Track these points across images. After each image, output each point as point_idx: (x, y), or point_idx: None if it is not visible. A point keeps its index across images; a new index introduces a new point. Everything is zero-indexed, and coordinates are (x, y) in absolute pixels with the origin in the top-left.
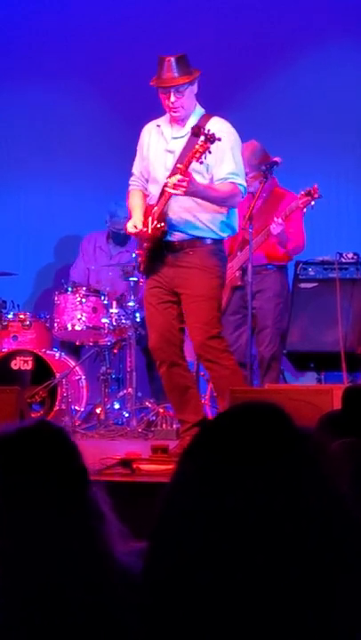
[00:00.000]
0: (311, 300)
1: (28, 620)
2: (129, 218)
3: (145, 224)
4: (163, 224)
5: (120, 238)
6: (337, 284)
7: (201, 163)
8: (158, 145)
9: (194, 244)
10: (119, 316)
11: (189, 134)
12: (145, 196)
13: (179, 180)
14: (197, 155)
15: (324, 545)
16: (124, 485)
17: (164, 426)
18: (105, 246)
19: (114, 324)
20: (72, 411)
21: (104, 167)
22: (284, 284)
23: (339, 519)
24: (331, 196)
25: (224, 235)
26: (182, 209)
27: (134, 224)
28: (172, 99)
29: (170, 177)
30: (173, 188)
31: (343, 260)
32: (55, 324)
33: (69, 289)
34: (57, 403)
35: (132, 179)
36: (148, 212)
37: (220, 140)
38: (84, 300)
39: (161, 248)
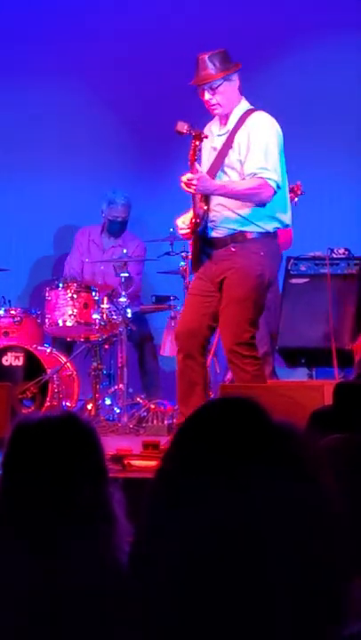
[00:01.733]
0: (302, 295)
1: (25, 622)
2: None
3: (190, 224)
4: (198, 220)
5: (116, 227)
6: (328, 280)
7: (195, 160)
8: (207, 143)
9: (236, 238)
10: (110, 311)
11: (229, 132)
12: None
13: (188, 180)
14: (191, 154)
15: (303, 538)
16: (115, 483)
17: (155, 422)
18: (98, 240)
19: (105, 319)
20: (63, 407)
21: (99, 160)
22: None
23: (318, 513)
24: (322, 192)
25: (269, 228)
26: (221, 205)
27: (183, 220)
28: (207, 96)
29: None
30: (185, 187)
31: (334, 256)
32: (46, 320)
33: (60, 285)
34: (48, 399)
35: None
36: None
37: (206, 137)
38: (75, 295)
39: (207, 245)
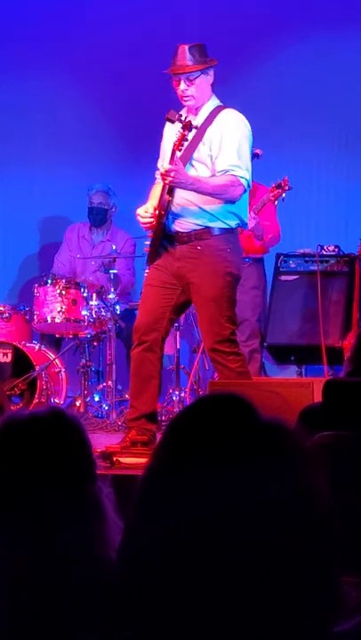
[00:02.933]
0: (292, 292)
1: (17, 621)
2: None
3: (153, 214)
4: (162, 212)
5: (95, 214)
6: (318, 277)
7: (180, 150)
8: (173, 135)
9: (201, 235)
10: (99, 308)
11: (199, 125)
12: None
13: (166, 170)
14: (176, 142)
15: (293, 535)
16: (104, 478)
17: None
18: (88, 236)
19: (94, 316)
20: (51, 403)
21: (88, 157)
22: (261, 277)
23: (308, 510)
24: (312, 189)
25: (232, 224)
26: (185, 199)
27: (146, 209)
28: (182, 86)
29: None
30: (161, 177)
31: (324, 253)
32: (35, 317)
33: (49, 281)
34: (36, 395)
35: (156, 172)
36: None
37: (196, 127)
38: (63, 292)
39: (168, 239)
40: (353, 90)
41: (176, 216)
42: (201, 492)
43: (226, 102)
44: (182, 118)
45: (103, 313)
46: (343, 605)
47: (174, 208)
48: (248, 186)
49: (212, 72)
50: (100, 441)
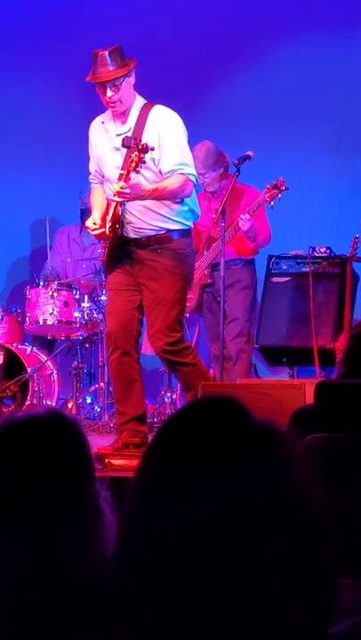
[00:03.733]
0: (284, 294)
1: (17, 621)
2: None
3: (103, 222)
4: (117, 226)
5: (87, 216)
6: (310, 279)
7: (138, 172)
8: (105, 143)
9: (161, 240)
10: (91, 310)
11: (132, 129)
12: (104, 192)
13: (121, 188)
14: (133, 165)
15: (286, 537)
16: (102, 481)
17: None
18: (78, 239)
19: (86, 318)
20: (44, 405)
21: (78, 159)
22: (252, 278)
23: (301, 512)
24: (304, 191)
25: (189, 223)
26: (140, 206)
27: (94, 220)
28: (109, 93)
29: (117, 181)
30: (118, 196)
31: (316, 255)
32: (27, 319)
33: (41, 283)
34: (28, 397)
35: (90, 177)
36: (107, 209)
37: (152, 149)
38: (55, 294)
39: (126, 244)
40: (344, 91)
41: (132, 224)
42: (194, 494)
43: (215, 105)
44: (136, 143)
45: (95, 315)
46: (339, 607)
47: (130, 216)
48: (196, 180)
49: (133, 73)
50: (92, 443)
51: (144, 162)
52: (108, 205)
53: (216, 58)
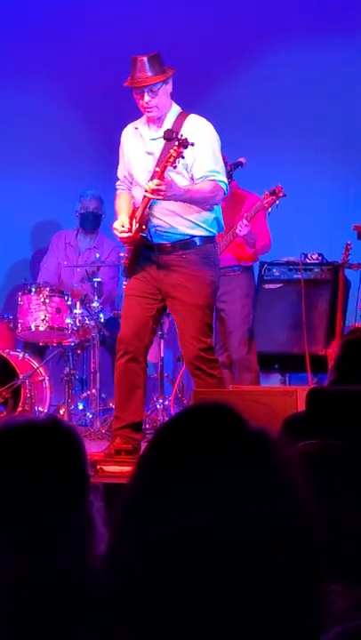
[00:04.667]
0: (276, 301)
1: (17, 621)
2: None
3: (130, 227)
4: (144, 227)
5: (89, 220)
6: (302, 285)
7: (175, 167)
8: (138, 147)
9: (186, 244)
10: (83, 316)
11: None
12: (131, 197)
13: (157, 185)
14: (171, 159)
15: (279, 544)
16: (96, 490)
17: None
18: (74, 242)
19: (77, 324)
20: (35, 412)
21: (73, 163)
22: (250, 285)
23: (294, 519)
24: (296, 197)
25: (214, 231)
26: (167, 210)
27: (122, 223)
28: (146, 98)
29: (150, 180)
30: (152, 193)
31: (308, 261)
32: (18, 325)
33: (33, 289)
34: (20, 403)
35: (117, 183)
36: (133, 214)
37: (192, 144)
38: (47, 300)
39: (149, 249)
40: (337, 96)
41: (159, 227)
42: (187, 501)
43: (207, 108)
44: (178, 136)
45: (87, 321)
46: (330, 614)
47: (156, 220)
48: (226, 189)
49: (170, 80)
50: None
51: (183, 157)
52: (135, 209)
53: (215, 59)
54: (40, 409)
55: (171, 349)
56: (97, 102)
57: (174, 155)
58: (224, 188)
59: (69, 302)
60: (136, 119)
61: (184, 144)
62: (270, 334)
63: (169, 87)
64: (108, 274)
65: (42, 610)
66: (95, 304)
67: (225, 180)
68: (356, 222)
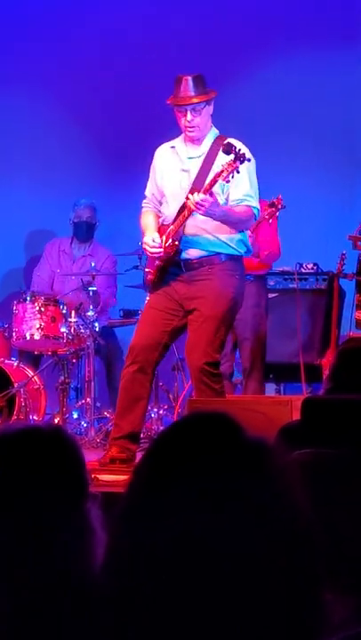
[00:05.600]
0: (271, 310)
1: (17, 621)
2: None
3: (161, 243)
4: (177, 242)
5: (82, 229)
6: (297, 295)
7: (228, 182)
8: (173, 165)
9: (212, 260)
10: (78, 325)
11: (205, 156)
12: (158, 216)
13: (202, 200)
14: (225, 173)
15: (276, 552)
16: (95, 499)
17: None
18: (68, 250)
19: (73, 333)
20: (30, 420)
21: (69, 173)
22: (261, 294)
23: (290, 527)
24: (291, 207)
25: (241, 251)
26: (199, 228)
27: (153, 237)
28: (189, 117)
29: (191, 193)
30: (195, 206)
31: (303, 271)
32: (13, 334)
33: (28, 298)
34: (15, 412)
35: (144, 201)
36: (161, 232)
37: (249, 160)
38: (42, 308)
39: (175, 266)
40: (335, 108)
41: (187, 244)
42: (184, 507)
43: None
44: (236, 150)
45: (82, 330)
46: (329, 622)
47: (185, 236)
48: (257, 215)
49: (212, 103)
50: None
51: (238, 171)
52: (165, 227)
53: (214, 67)
54: (35, 417)
55: (166, 359)
56: (93, 111)
57: (229, 169)
58: (256, 213)
59: (64, 311)
60: (135, 129)
61: (241, 159)
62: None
63: (211, 108)
64: (103, 284)
65: (41, 610)
66: (90, 313)
67: (258, 205)
68: (350, 232)
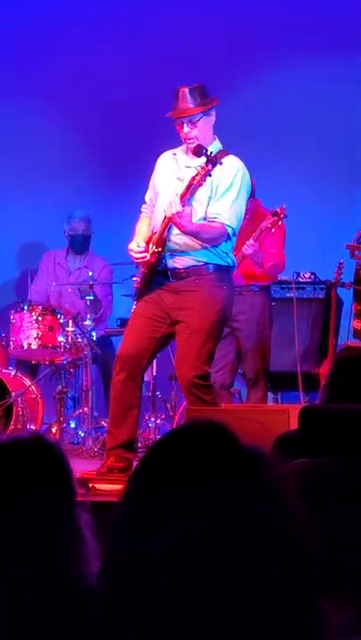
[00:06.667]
0: None
1: (17, 621)
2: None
3: (146, 249)
4: (160, 249)
5: (78, 242)
6: (294, 304)
7: (200, 185)
8: (171, 172)
9: (199, 271)
10: (75, 334)
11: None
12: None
13: (177, 212)
14: (198, 177)
15: (273, 561)
16: (83, 505)
17: None
18: (64, 262)
19: (70, 342)
20: (28, 430)
21: (65, 182)
22: (266, 305)
23: (287, 537)
24: (289, 215)
25: (228, 261)
26: (186, 237)
27: (137, 243)
28: (185, 129)
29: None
30: (176, 215)
31: (301, 280)
32: (11, 343)
33: (25, 307)
34: (12, 422)
35: (143, 206)
36: (150, 239)
37: (221, 163)
38: (40, 318)
39: (162, 275)
40: (334, 118)
41: (174, 253)
42: (180, 517)
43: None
44: (208, 153)
45: (79, 339)
46: (326, 630)
47: (172, 244)
48: (233, 234)
49: (213, 112)
50: (76, 467)
51: (210, 175)
52: (153, 234)
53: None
54: (32, 427)
55: (163, 368)
56: (92, 125)
57: (202, 172)
58: (230, 232)
59: (62, 320)
60: (134, 138)
61: (213, 161)
62: None
63: (211, 119)
64: (100, 292)
65: (41, 610)
66: (88, 322)
67: (234, 224)
68: (348, 241)
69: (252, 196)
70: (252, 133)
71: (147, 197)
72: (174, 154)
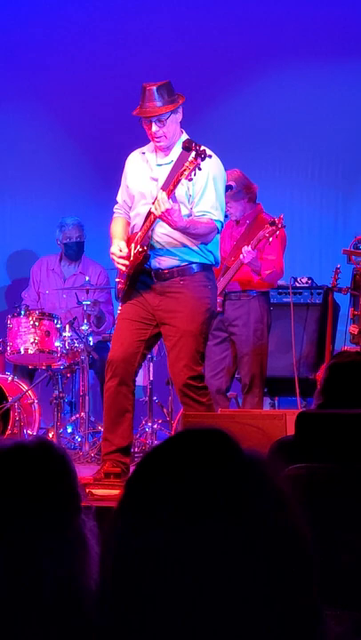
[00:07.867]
0: None
1: None
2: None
3: (128, 254)
4: (144, 248)
5: (73, 249)
6: (291, 309)
7: (190, 180)
8: (143, 173)
9: (183, 271)
10: (72, 339)
11: (174, 162)
12: (128, 224)
13: (166, 210)
14: (187, 172)
15: (270, 567)
16: (88, 511)
17: None
18: (58, 268)
19: (67, 347)
20: (24, 435)
21: (58, 187)
22: (264, 310)
23: (286, 542)
24: (285, 221)
25: (211, 259)
26: (169, 236)
27: (120, 247)
28: (154, 128)
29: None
30: (166, 212)
31: (297, 285)
32: (8, 348)
33: (22, 312)
34: (9, 426)
35: (115, 207)
36: (130, 240)
37: (210, 157)
38: (36, 323)
39: (146, 275)
40: (330, 124)
41: (157, 252)
42: (177, 523)
43: (199, 132)
44: (197, 147)
45: (76, 344)
46: (325, 635)
47: (155, 244)
48: (221, 227)
49: (180, 109)
50: None
51: (200, 168)
52: (133, 235)
53: (195, 86)
54: (29, 432)
55: (160, 372)
56: (86, 129)
57: (190, 167)
58: (219, 226)
59: (59, 325)
60: (128, 142)
61: (202, 155)
62: None
63: (179, 116)
64: (105, 308)
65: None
66: (84, 327)
67: (222, 218)
68: (345, 247)
69: (252, 200)
70: (250, 139)
71: (119, 198)
72: (143, 152)
